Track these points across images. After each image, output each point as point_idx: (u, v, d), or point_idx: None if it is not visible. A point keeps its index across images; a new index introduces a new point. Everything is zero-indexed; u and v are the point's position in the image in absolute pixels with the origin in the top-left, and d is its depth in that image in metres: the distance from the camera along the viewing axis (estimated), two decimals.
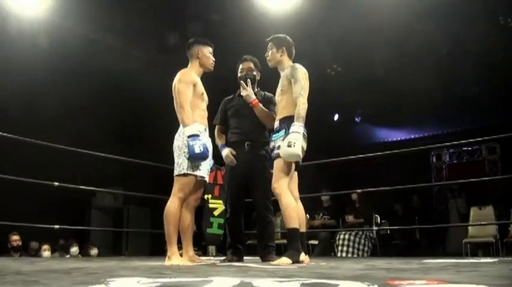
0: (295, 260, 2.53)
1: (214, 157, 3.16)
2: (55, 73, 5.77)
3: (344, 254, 5.43)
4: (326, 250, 5.77)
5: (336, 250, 5.59)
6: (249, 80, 3.28)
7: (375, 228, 5.65)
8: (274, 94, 3.07)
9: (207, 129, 2.92)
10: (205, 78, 2.98)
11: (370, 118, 8.76)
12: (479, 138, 4.71)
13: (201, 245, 6.35)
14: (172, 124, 2.88)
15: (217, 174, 3.46)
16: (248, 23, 5.65)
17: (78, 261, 3.58)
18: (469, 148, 8.01)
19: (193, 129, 2.68)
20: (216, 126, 3.46)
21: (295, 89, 2.71)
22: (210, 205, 3.47)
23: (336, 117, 8.77)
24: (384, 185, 4.74)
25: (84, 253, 6.27)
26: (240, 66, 3.40)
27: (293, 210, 2.65)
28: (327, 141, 7.59)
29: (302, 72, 2.77)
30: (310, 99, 2.74)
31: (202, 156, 2.65)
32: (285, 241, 5.58)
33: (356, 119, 8.86)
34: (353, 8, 5.47)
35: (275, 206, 3.40)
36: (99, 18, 5.66)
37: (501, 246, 5.45)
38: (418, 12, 5.62)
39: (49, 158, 5.06)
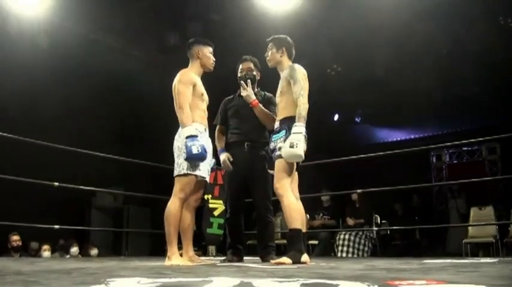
0: (296, 261, 2.51)
1: (215, 157, 3.16)
2: (55, 73, 5.77)
3: (344, 255, 5.42)
4: (326, 250, 5.77)
5: (336, 250, 5.59)
6: (249, 80, 3.28)
7: (375, 228, 5.64)
8: (274, 94, 3.07)
9: (207, 130, 2.92)
10: (205, 78, 2.98)
11: (370, 118, 8.75)
12: (479, 139, 4.70)
13: (201, 245, 6.35)
14: (172, 124, 2.88)
15: (217, 174, 3.47)
16: (248, 23, 5.65)
17: (78, 261, 3.58)
18: (469, 148, 8.00)
19: (191, 130, 2.67)
20: (217, 127, 3.46)
21: (295, 89, 2.71)
22: (210, 205, 3.48)
23: (336, 117, 8.76)
24: (384, 185, 4.74)
25: (84, 253, 6.27)
26: (240, 67, 3.40)
27: (295, 211, 2.64)
28: (327, 141, 7.59)
29: (301, 72, 2.77)
30: (310, 99, 2.73)
31: (200, 157, 2.65)
32: (285, 241, 5.62)
33: (356, 119, 8.86)
34: (353, 8, 5.47)
35: (275, 206, 3.41)
36: (99, 18, 5.66)
37: (501, 246, 5.45)
38: (418, 12, 5.62)
39: (49, 158, 5.06)
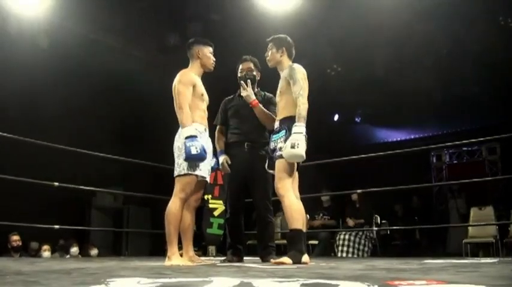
0: (297, 261, 2.51)
1: (215, 157, 3.16)
2: (55, 73, 5.77)
3: (344, 255, 5.42)
4: (326, 250, 5.77)
5: (336, 250, 5.59)
6: (249, 80, 3.27)
7: (375, 228, 5.64)
8: (274, 94, 3.06)
9: (207, 130, 2.91)
10: (206, 78, 2.98)
11: (370, 118, 8.75)
12: (479, 139, 4.70)
13: (201, 246, 6.35)
14: (172, 124, 2.88)
15: (217, 174, 3.47)
16: (248, 23, 5.65)
17: (78, 261, 3.58)
18: (469, 148, 8.00)
19: (191, 131, 2.67)
20: (217, 127, 3.45)
21: (294, 89, 2.70)
22: (210, 205, 3.48)
23: (336, 117, 8.76)
24: (384, 185, 4.74)
25: (84, 253, 6.27)
26: (240, 67, 3.40)
27: (296, 211, 2.63)
28: (327, 141, 7.59)
29: (300, 72, 2.76)
30: (310, 99, 2.73)
31: (200, 157, 2.64)
32: (285, 241, 5.62)
33: (356, 119, 8.86)
34: (353, 8, 5.47)
35: (275, 206, 3.41)
36: (99, 18, 5.66)
37: (501, 246, 5.45)
38: (418, 12, 5.62)
39: (49, 158, 5.06)
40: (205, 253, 6.37)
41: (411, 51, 6.37)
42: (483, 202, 5.99)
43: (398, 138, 8.93)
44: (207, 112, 2.94)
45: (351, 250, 5.46)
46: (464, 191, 7.37)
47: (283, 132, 2.73)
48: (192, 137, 2.64)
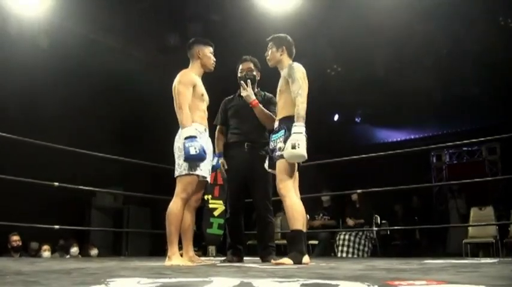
0: (297, 262, 2.50)
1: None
2: (55, 73, 5.77)
3: (344, 255, 5.42)
4: (326, 250, 5.77)
5: (336, 250, 5.59)
6: (249, 80, 3.27)
7: (375, 228, 5.64)
8: (274, 94, 3.06)
9: (207, 130, 2.91)
10: (206, 78, 2.98)
11: (370, 118, 8.75)
12: (480, 139, 4.70)
13: (201, 246, 6.35)
14: (172, 124, 2.88)
15: (217, 174, 3.46)
16: (248, 23, 5.65)
17: (78, 261, 3.58)
18: (469, 148, 8.01)
19: (190, 131, 2.67)
20: (217, 127, 3.45)
21: (293, 88, 2.69)
22: (210, 205, 3.47)
23: (336, 117, 8.76)
24: (384, 185, 4.74)
25: (84, 253, 6.27)
26: (240, 67, 3.40)
27: (297, 212, 2.62)
28: (327, 141, 7.59)
29: (299, 71, 2.74)
30: (310, 99, 2.72)
31: (199, 158, 2.64)
32: (284, 241, 5.62)
33: (356, 119, 8.87)
34: (353, 8, 5.47)
35: (275, 206, 3.41)
36: (99, 18, 5.66)
37: (501, 246, 5.45)
38: (418, 12, 5.62)
39: (49, 158, 5.06)
40: (205, 253, 6.38)
41: (411, 51, 6.37)
42: (483, 202, 5.99)
43: (399, 139, 8.93)
44: (207, 112, 2.94)
45: (351, 250, 5.46)
46: (464, 191, 7.37)
47: (282, 132, 2.72)
48: (191, 138, 2.64)
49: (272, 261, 2.71)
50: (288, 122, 2.68)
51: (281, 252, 5.51)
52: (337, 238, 5.60)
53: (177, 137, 2.78)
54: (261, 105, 3.23)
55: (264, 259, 3.18)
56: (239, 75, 3.37)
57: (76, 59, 5.95)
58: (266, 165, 2.93)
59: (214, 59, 2.98)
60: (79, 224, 7.04)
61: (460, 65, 6.36)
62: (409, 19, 5.67)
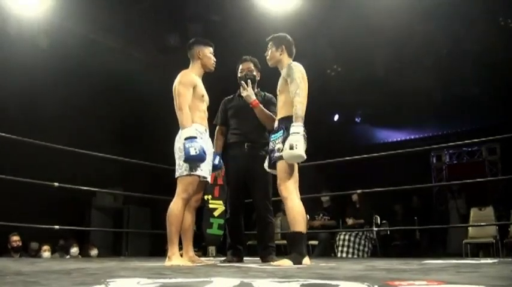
0: (297, 264, 2.49)
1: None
2: (55, 73, 5.77)
3: (344, 255, 5.42)
4: (326, 250, 5.76)
5: (336, 251, 5.59)
6: (249, 80, 3.27)
7: (375, 229, 5.64)
8: (274, 95, 3.06)
9: (208, 130, 2.91)
10: (206, 78, 2.97)
11: (370, 118, 8.76)
12: (480, 139, 4.70)
13: (201, 246, 6.35)
14: (172, 125, 2.88)
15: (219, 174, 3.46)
16: (248, 23, 5.65)
17: (78, 262, 3.58)
18: (469, 149, 8.01)
19: (190, 132, 2.67)
20: (217, 127, 3.45)
21: (291, 88, 2.68)
22: (210, 206, 3.47)
23: (336, 117, 8.76)
24: (384, 185, 4.74)
25: (84, 253, 6.27)
26: (240, 67, 3.40)
27: (298, 213, 2.61)
28: (327, 141, 7.59)
29: (298, 71, 2.73)
30: (310, 99, 2.71)
31: (199, 158, 2.64)
32: (284, 242, 5.62)
33: (356, 119, 8.87)
34: (353, 8, 5.47)
35: (275, 206, 3.41)
36: (99, 18, 5.66)
37: (501, 247, 5.45)
38: (418, 12, 5.62)
39: (49, 158, 5.06)
40: (205, 254, 6.37)
41: (411, 51, 6.37)
42: (483, 202, 5.99)
43: (399, 139, 8.93)
44: (207, 113, 2.94)
45: (351, 250, 5.46)
46: (464, 191, 7.37)
47: (280, 132, 2.71)
48: (191, 138, 2.64)
49: (272, 263, 2.71)
50: (287, 122, 2.67)
51: (281, 252, 5.52)
52: (337, 238, 5.60)
53: (177, 138, 2.78)
54: (261, 106, 3.22)
55: (264, 259, 3.17)
56: (239, 75, 3.37)
57: (76, 59, 5.95)
58: (266, 165, 2.92)
59: (215, 59, 2.98)
60: (79, 224, 7.04)
61: (460, 65, 6.36)
62: (409, 19, 5.68)
